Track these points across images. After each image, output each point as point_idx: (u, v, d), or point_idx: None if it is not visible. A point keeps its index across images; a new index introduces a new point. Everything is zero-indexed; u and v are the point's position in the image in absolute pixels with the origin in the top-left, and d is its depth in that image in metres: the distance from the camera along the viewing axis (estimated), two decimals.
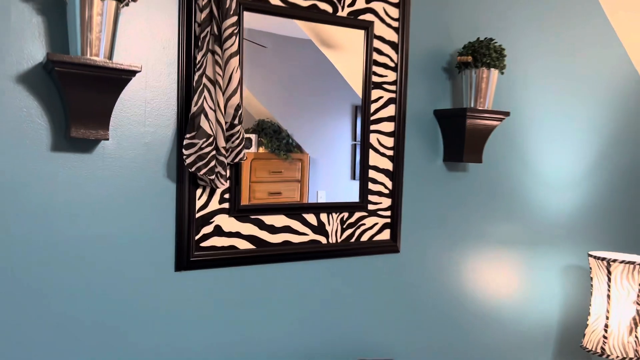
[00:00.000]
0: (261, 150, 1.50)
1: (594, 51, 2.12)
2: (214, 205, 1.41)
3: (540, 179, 2.01)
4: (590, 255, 1.87)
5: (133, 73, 1.17)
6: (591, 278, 1.88)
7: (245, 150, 1.40)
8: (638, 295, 1.76)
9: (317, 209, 1.56)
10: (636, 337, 1.75)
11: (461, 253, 1.85)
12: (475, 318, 1.89)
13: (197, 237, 1.39)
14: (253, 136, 1.52)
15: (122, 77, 1.17)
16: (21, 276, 1.20)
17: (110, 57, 1.17)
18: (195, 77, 1.31)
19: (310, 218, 1.56)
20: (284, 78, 1.50)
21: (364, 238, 1.66)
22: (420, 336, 1.78)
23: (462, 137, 1.71)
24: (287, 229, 1.52)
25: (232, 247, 1.44)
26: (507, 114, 1.73)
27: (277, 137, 1.53)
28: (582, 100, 2.10)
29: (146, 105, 1.32)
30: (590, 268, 1.88)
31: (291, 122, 1.52)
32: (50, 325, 1.23)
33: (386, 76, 1.65)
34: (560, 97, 2.04)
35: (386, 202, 1.69)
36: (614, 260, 1.79)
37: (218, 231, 1.42)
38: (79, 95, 1.16)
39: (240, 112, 1.35)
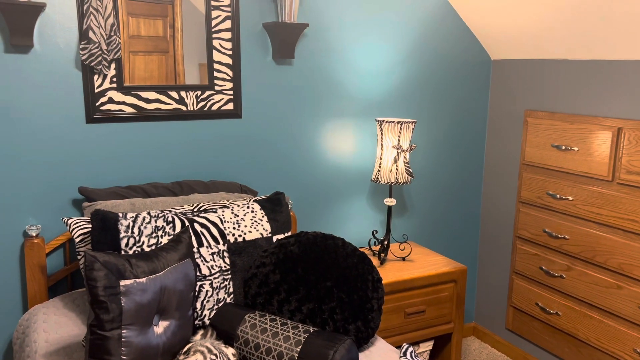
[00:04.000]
0: None
1: None
2: (107, 85, 2.38)
3: (349, 68, 2.91)
4: (376, 120, 2.82)
5: (41, 7, 2.11)
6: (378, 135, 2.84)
7: (120, 52, 2.34)
8: (398, 142, 2.71)
9: (177, 88, 2.52)
10: (396, 169, 2.74)
11: (290, 121, 2.81)
12: (299, 163, 2.88)
13: (97, 104, 2.37)
14: None
15: (33, 9, 2.10)
16: None
17: None
18: (84, 7, 2.24)
19: (173, 94, 2.52)
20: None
21: (214, 108, 2.62)
22: (252, 167, 2.79)
23: (277, 40, 2.63)
24: (158, 100, 2.50)
25: (121, 110, 2.43)
26: (306, 25, 2.62)
27: None
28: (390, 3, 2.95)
29: (58, 24, 2.25)
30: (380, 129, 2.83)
31: None
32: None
33: (222, 0, 2.54)
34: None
35: (229, 85, 2.64)
36: (384, 121, 2.74)
37: (110, 100, 2.40)
38: (14, 20, 2.10)
39: (114, 27, 2.28)
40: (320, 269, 1.94)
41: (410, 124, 2.73)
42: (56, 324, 2.02)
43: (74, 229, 2.00)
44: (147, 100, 2.47)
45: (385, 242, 2.83)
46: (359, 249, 2.03)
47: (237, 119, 2.69)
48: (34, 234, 2.27)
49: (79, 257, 1.99)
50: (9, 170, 2.24)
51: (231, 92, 2.65)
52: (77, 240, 1.98)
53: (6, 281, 2.29)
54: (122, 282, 1.60)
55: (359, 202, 3.07)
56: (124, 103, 2.42)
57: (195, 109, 2.58)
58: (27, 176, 2.27)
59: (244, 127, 2.71)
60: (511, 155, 3.20)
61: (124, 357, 1.59)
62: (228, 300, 2.00)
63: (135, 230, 1.89)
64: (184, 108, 2.56)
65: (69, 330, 1.98)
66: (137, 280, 1.63)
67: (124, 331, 1.59)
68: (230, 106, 2.66)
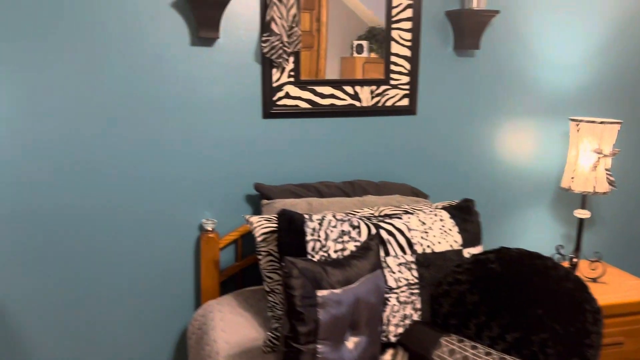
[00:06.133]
0: (373, 55, 2.32)
1: None
2: (284, 78, 2.29)
3: (539, 61, 2.57)
4: (571, 120, 2.46)
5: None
6: (571, 137, 2.48)
7: (300, 44, 2.24)
8: (599, 146, 2.34)
9: (352, 82, 2.38)
10: (594, 176, 2.37)
11: (468, 119, 2.55)
12: (475, 165, 2.61)
13: (274, 98, 2.30)
14: (365, 43, 2.34)
15: (221, 1, 2.06)
16: (170, 115, 2.21)
17: None
18: None
19: (348, 89, 2.38)
20: None
21: (388, 104, 2.44)
22: (428, 171, 2.56)
23: (461, 30, 2.37)
24: (332, 96, 2.37)
25: (296, 106, 2.33)
26: (495, 12, 2.34)
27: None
28: None
29: (241, 17, 2.20)
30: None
31: None
32: (183, 139, 2.25)
33: None
34: None
35: (405, 79, 2.44)
36: (582, 121, 2.37)
37: (287, 95, 2.31)
38: (201, 11, 2.08)
39: (296, 18, 2.18)
40: (528, 292, 1.67)
41: (615, 126, 2.34)
42: (234, 324, 1.97)
43: (256, 227, 1.92)
44: (322, 96, 2.35)
45: (574, 260, 2.47)
46: (573, 272, 1.73)
47: (411, 115, 2.49)
48: (210, 228, 2.25)
49: (259, 256, 1.92)
50: (189, 164, 2.23)
51: (407, 86, 2.45)
52: (260, 239, 1.90)
53: (182, 274, 2.31)
54: (319, 293, 1.47)
55: (541, 212, 2.73)
56: (299, 98, 2.33)
57: (369, 104, 2.42)
58: (205, 170, 2.26)
59: (418, 125, 2.50)
60: None
61: None
62: (415, 317, 1.81)
63: (322, 233, 1.76)
64: (357, 103, 2.41)
65: (247, 332, 1.92)
66: (334, 290, 1.49)
67: (319, 346, 1.46)
68: (405, 102, 2.46)
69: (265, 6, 2.19)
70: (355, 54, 2.35)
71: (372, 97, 2.42)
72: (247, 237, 2.33)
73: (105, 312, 2.24)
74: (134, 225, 2.21)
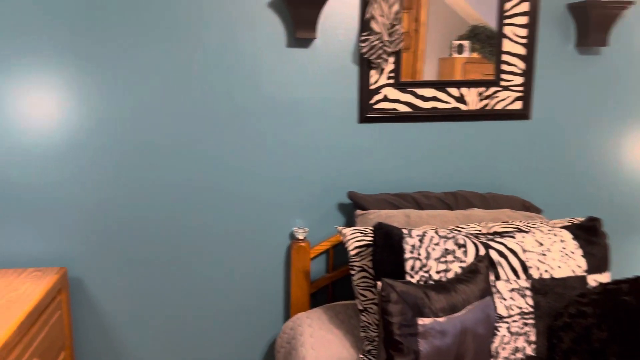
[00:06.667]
0: (474, 55, 2.14)
1: None
2: (383, 80, 2.14)
3: None
4: None
5: None
6: None
7: (402, 43, 2.08)
8: None
9: (458, 84, 2.18)
10: None
11: (591, 125, 2.25)
12: (597, 177, 2.30)
13: (371, 102, 2.15)
14: (466, 42, 2.17)
15: (319, 0, 1.95)
16: (264, 118, 2.13)
17: None
18: None
19: (453, 91, 2.18)
20: None
21: (498, 107, 2.21)
22: (548, 185, 2.29)
23: (586, 24, 2.09)
24: (434, 99, 2.18)
25: (394, 109, 2.17)
26: (629, 3, 2.03)
27: (489, 43, 2.14)
28: None
29: (340, 15, 2.08)
30: None
31: None
32: (274, 144, 2.16)
33: None
34: None
35: (518, 80, 2.20)
36: None
37: (385, 98, 2.16)
38: (298, 11, 1.98)
39: (398, 15, 2.02)
40: None
41: None
42: (324, 341, 1.84)
43: (349, 240, 1.79)
44: (424, 98, 2.18)
45: None
46: None
47: (525, 120, 2.24)
48: (301, 237, 2.15)
49: (352, 271, 1.78)
50: (281, 168, 2.15)
51: (520, 88, 2.21)
52: (353, 253, 1.77)
53: (272, 282, 2.23)
54: (420, 321, 1.30)
55: None
56: (398, 101, 2.16)
57: (476, 108, 2.21)
58: (298, 176, 2.16)
59: (532, 131, 2.25)
60: None
61: None
62: (528, 350, 1.58)
63: (422, 251, 1.59)
64: (463, 107, 2.20)
65: (337, 351, 1.78)
66: (437, 319, 1.32)
67: None
68: (517, 105, 2.22)
69: (365, 3, 2.06)
70: (454, 54, 2.15)
71: (480, 100, 2.20)
72: (339, 248, 2.20)
73: (194, 317, 2.20)
74: (226, 229, 2.16)
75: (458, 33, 2.14)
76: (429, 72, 2.15)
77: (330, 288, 2.23)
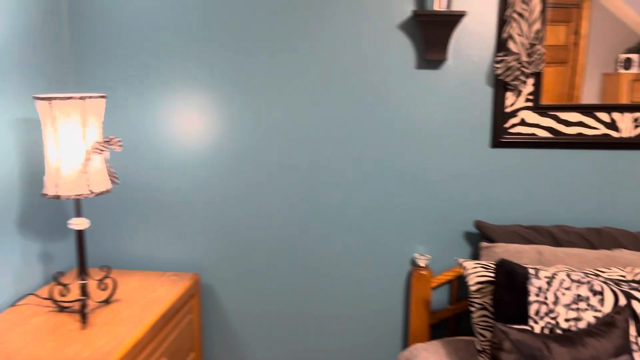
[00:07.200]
0: None
1: None
2: (520, 103, 1.99)
3: None
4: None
5: (460, 16, 1.86)
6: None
7: (543, 64, 1.92)
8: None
9: (609, 108, 1.95)
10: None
11: None
12: None
13: (505, 126, 2.02)
14: (635, 56, 1.98)
15: (453, 19, 1.87)
16: (391, 141, 2.09)
17: (449, 7, 1.89)
18: (506, 13, 1.90)
19: (603, 116, 1.96)
20: None
21: None
22: None
23: None
24: (580, 124, 1.97)
25: (533, 134, 2.01)
26: None
27: None
28: None
29: (474, 35, 1.99)
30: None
31: None
32: (402, 172, 2.10)
33: None
34: None
35: None
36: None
37: (522, 122, 2.00)
38: (429, 32, 1.93)
39: (540, 35, 1.87)
40: None
41: None
42: None
43: (470, 275, 1.68)
44: (567, 123, 1.98)
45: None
46: None
47: None
48: (423, 264, 2.07)
49: (472, 307, 1.67)
50: (406, 191, 2.10)
51: None
52: (473, 289, 1.66)
53: (391, 308, 2.18)
54: None
55: None
56: (537, 125, 2.00)
57: (631, 135, 1.95)
58: (422, 199, 2.10)
59: None
60: None
61: None
62: None
63: (550, 295, 1.44)
64: (614, 134, 1.96)
65: None
66: None
67: None
68: None
69: (502, 22, 1.94)
70: (620, 70, 1.92)
71: (635, 127, 1.94)
72: (464, 280, 2.08)
73: (314, 333, 2.24)
74: (346, 251, 2.17)
75: (626, 46, 1.92)
76: (589, 90, 1.96)
77: (452, 321, 2.12)
